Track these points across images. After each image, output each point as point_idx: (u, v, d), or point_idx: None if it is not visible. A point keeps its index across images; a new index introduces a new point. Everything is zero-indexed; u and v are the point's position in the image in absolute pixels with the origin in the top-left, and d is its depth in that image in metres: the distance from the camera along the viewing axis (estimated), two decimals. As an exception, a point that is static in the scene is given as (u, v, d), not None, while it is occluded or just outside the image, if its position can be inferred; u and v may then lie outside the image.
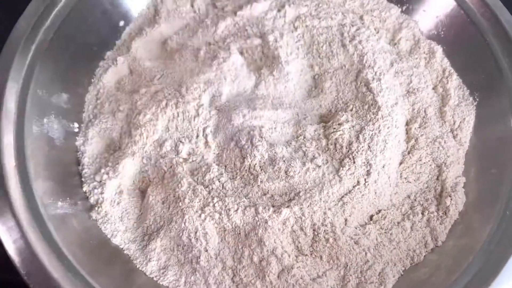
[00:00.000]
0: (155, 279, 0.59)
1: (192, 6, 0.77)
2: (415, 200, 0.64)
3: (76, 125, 0.68)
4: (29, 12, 0.65)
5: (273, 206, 0.60)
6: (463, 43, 0.71)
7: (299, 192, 0.61)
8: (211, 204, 0.60)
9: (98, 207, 0.62)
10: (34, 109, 0.61)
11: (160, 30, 0.75)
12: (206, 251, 0.59)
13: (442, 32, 0.73)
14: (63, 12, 0.67)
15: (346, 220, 0.61)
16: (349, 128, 0.65)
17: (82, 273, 0.54)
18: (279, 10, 0.75)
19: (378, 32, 0.75)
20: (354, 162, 0.62)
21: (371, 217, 0.63)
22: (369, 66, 0.69)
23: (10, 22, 0.64)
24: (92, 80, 0.71)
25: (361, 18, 0.77)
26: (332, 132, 0.65)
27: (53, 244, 0.54)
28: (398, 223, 0.62)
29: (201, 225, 0.59)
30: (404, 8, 0.76)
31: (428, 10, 0.74)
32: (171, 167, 0.63)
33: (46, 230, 0.55)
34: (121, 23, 0.75)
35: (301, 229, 0.60)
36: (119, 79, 0.72)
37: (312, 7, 0.75)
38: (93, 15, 0.70)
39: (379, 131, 0.64)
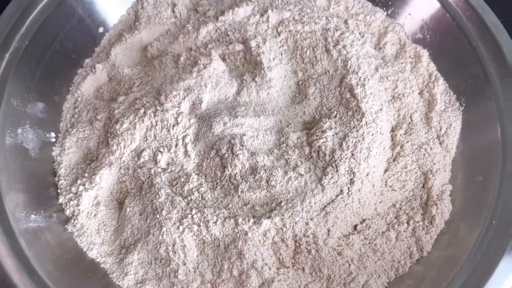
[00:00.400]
0: (132, 293, 0.58)
1: (173, 11, 0.76)
2: (400, 208, 0.63)
3: (53, 134, 0.66)
4: (3, 19, 0.63)
5: (253, 217, 0.58)
6: (449, 46, 0.70)
7: (281, 202, 0.59)
8: (190, 216, 0.58)
9: (74, 219, 0.61)
10: (8, 119, 0.60)
11: (140, 36, 0.73)
12: (185, 264, 0.57)
13: (428, 36, 0.72)
14: (38, 19, 0.65)
15: (329, 230, 0.59)
16: (332, 135, 0.63)
17: (55, 289, 0.53)
18: (262, 15, 0.73)
19: (363, 37, 0.73)
20: (337, 171, 0.61)
21: (355, 227, 0.61)
22: (353, 71, 0.67)
23: (-17, 30, 0.62)
24: (70, 88, 0.70)
25: (345, 22, 0.75)
26: (315, 140, 0.63)
27: (24, 260, 0.53)
28: (383, 233, 0.61)
29: (179, 237, 0.57)
30: (389, 11, 0.75)
31: (414, 13, 0.73)
32: (149, 177, 0.62)
33: (16, 245, 0.53)
34: (100, 29, 0.73)
35: (283, 240, 0.58)
36: (98, 87, 0.70)
37: (295, 11, 0.73)
38: (70, 22, 0.69)
39: (363, 138, 0.62)
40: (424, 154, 0.65)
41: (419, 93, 0.70)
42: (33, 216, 0.58)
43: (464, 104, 0.67)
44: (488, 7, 0.67)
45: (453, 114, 0.67)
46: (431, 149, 0.65)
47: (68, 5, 0.68)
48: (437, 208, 0.61)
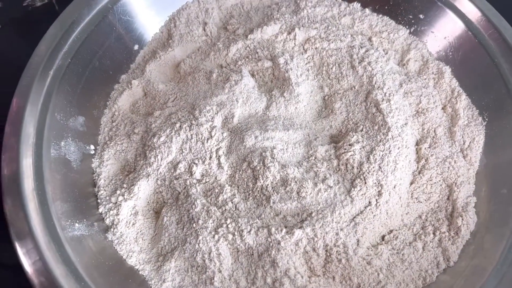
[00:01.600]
0: (169, 299, 0.60)
1: (204, 29, 0.79)
2: (426, 220, 0.65)
3: (92, 147, 0.69)
4: (47, 38, 0.67)
5: (285, 227, 0.61)
6: (472, 63, 0.72)
7: (311, 212, 0.62)
8: (225, 225, 0.61)
9: (114, 228, 0.63)
10: (52, 133, 0.63)
11: (173, 53, 0.77)
12: (220, 272, 0.59)
13: (451, 53, 0.74)
14: (80, 38, 0.69)
15: (358, 240, 0.62)
16: (360, 148, 0.66)
17: (100, 295, 0.56)
18: (289, 33, 0.76)
19: (387, 53, 0.76)
20: (365, 183, 0.63)
21: (383, 237, 0.64)
22: (379, 87, 0.70)
23: (30, 48, 0.66)
24: (108, 103, 0.73)
25: (369, 39, 0.78)
26: (343, 153, 0.66)
27: (71, 266, 0.55)
28: (410, 243, 0.63)
29: (214, 246, 0.60)
30: (412, 29, 0.78)
31: (437, 31, 0.76)
32: (185, 188, 0.64)
33: (64, 252, 0.56)
34: (136, 47, 0.77)
35: (314, 249, 0.60)
36: (134, 102, 0.74)
37: (321, 29, 0.76)
38: (108, 40, 0.73)
39: (390, 151, 0.65)
40: (448, 167, 0.67)
41: (442, 108, 0.73)
42: (77, 224, 0.61)
43: (487, 119, 0.70)
44: (509, 26, 0.70)
45: (476, 128, 0.70)
46: (455, 162, 0.68)
47: (107, 23, 0.72)
48: (463, 219, 0.63)
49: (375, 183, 0.63)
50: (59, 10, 0.71)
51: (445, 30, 0.74)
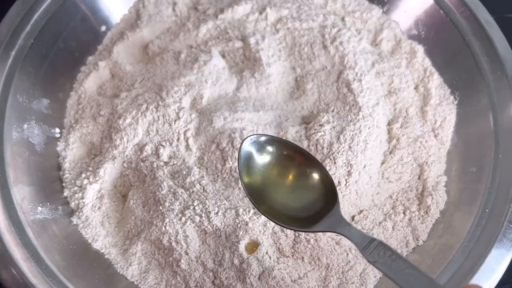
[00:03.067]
0: (136, 283, 0.59)
1: (174, 10, 0.77)
2: (396, 199, 0.65)
3: (57, 130, 0.68)
4: (8, 18, 0.65)
5: (253, 208, 0.60)
6: (443, 42, 0.71)
7: (280, 193, 0.61)
8: (192, 207, 0.60)
9: (79, 212, 0.62)
10: (14, 115, 0.62)
11: (142, 34, 0.75)
12: (187, 254, 0.58)
13: (423, 32, 0.74)
14: (43, 18, 0.67)
15: (327, 220, 0.61)
16: (330, 129, 0.65)
17: (62, 279, 0.54)
18: (260, 13, 0.75)
19: (359, 33, 0.75)
20: (334, 163, 0.62)
21: (352, 218, 0.63)
22: (350, 67, 0.69)
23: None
24: (74, 85, 0.71)
25: (342, 19, 0.77)
26: (313, 133, 0.65)
27: (32, 249, 0.54)
28: (380, 223, 0.62)
29: (181, 228, 0.59)
30: (385, 8, 0.77)
31: (409, 10, 0.75)
32: (151, 170, 0.63)
33: (25, 236, 0.55)
34: (103, 28, 0.75)
35: (282, 230, 0.60)
36: (101, 84, 0.72)
37: (293, 9, 0.75)
38: (74, 20, 0.70)
39: (360, 131, 0.64)
40: (419, 147, 0.67)
41: (415, 88, 0.72)
42: (39, 208, 0.59)
43: (458, 98, 0.69)
44: (480, 4, 0.69)
45: (447, 107, 0.69)
46: (426, 141, 0.67)
47: (72, 3, 0.70)
48: (432, 198, 0.63)
49: (344, 163, 0.63)
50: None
51: (417, 9, 0.73)
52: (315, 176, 0.57)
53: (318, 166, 0.57)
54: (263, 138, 0.58)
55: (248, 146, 0.57)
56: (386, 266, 0.43)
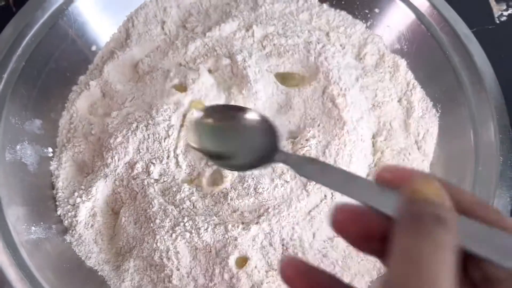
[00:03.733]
0: (129, 299, 0.61)
1: (162, 28, 0.79)
2: (382, 212, 0.66)
3: (50, 150, 0.69)
4: (0, 41, 0.66)
5: (242, 223, 0.62)
6: (425, 56, 0.73)
7: (268, 208, 0.63)
8: (182, 224, 0.61)
9: (72, 230, 0.64)
10: (7, 137, 0.63)
11: (132, 53, 0.76)
12: (178, 270, 0.60)
13: (405, 47, 0.76)
14: (34, 41, 0.68)
15: (314, 234, 0.63)
16: (316, 143, 0.67)
17: (56, 297, 0.56)
18: (247, 30, 0.77)
19: (344, 48, 0.77)
20: (321, 177, 0.64)
21: (339, 230, 0.65)
22: (335, 82, 0.71)
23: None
24: (66, 104, 0.73)
25: (327, 34, 0.79)
26: (299, 148, 0.67)
27: (26, 270, 0.55)
28: (366, 234, 0.64)
29: (172, 244, 0.60)
30: (368, 23, 0.79)
31: (392, 25, 0.77)
32: (142, 188, 0.65)
33: (19, 256, 0.56)
34: (93, 47, 0.76)
35: (270, 244, 0.61)
36: (92, 103, 0.73)
37: (279, 26, 0.77)
38: (64, 41, 0.72)
39: (345, 145, 0.66)
40: (403, 159, 0.69)
41: (398, 101, 0.74)
42: (33, 228, 0.61)
43: (440, 111, 0.71)
44: (460, 19, 0.71)
45: (430, 120, 0.71)
46: (409, 154, 0.69)
47: (62, 26, 0.71)
48: (416, 210, 0.64)
49: (330, 177, 0.64)
50: (16, 12, 0.71)
51: (400, 23, 0.76)
52: (254, 117, 0.54)
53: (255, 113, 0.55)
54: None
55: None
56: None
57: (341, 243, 0.63)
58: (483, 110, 0.65)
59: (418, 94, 0.73)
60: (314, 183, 0.64)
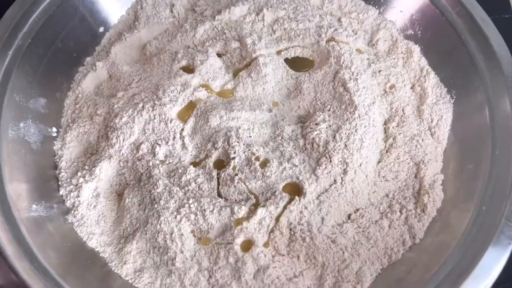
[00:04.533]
0: (130, 281, 0.59)
1: (171, 11, 0.78)
2: (393, 198, 0.64)
3: (54, 129, 0.68)
4: (6, 18, 0.66)
5: (248, 206, 0.60)
6: (440, 42, 0.71)
7: (275, 191, 0.61)
8: (187, 205, 0.59)
9: (75, 210, 0.62)
10: (11, 113, 0.62)
11: (140, 35, 0.75)
12: (182, 252, 0.58)
13: (419, 32, 0.74)
14: (41, 18, 0.67)
15: (323, 219, 0.60)
16: (326, 127, 0.65)
17: (56, 276, 0.54)
18: (257, 14, 0.75)
19: (356, 34, 0.75)
20: (330, 161, 0.62)
21: (348, 216, 0.63)
22: (346, 66, 0.69)
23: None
24: (71, 85, 0.72)
25: (339, 20, 0.77)
26: (309, 132, 0.65)
27: (25, 246, 0.54)
28: (376, 221, 0.62)
29: (176, 226, 0.58)
30: (381, 9, 0.77)
31: (405, 10, 0.75)
32: (147, 169, 0.63)
33: (18, 233, 0.55)
34: (101, 29, 0.75)
35: (277, 228, 0.59)
36: (98, 84, 0.72)
37: (290, 10, 0.76)
38: (72, 21, 0.71)
39: (356, 130, 0.64)
40: (416, 146, 0.67)
41: (411, 87, 0.72)
42: (34, 206, 0.59)
43: (454, 97, 0.69)
44: (476, 3, 0.69)
45: (444, 106, 0.69)
46: (422, 140, 0.67)
47: (70, 4, 0.70)
48: (429, 196, 0.62)
49: (340, 161, 0.62)
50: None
51: (413, 8, 0.74)
52: None
53: None
54: None
55: None
56: None
57: (351, 229, 0.60)
58: (500, 94, 0.63)
59: (432, 80, 0.71)
60: (324, 167, 0.62)
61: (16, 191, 0.58)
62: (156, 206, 0.60)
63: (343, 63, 0.70)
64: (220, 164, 0.64)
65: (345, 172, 0.62)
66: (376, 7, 0.77)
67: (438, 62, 0.71)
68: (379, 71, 0.71)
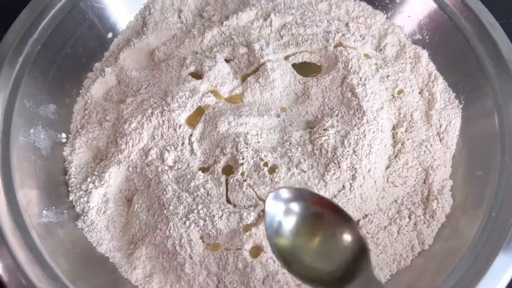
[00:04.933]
0: (140, 287, 0.59)
1: (179, 17, 0.78)
2: (402, 204, 0.64)
3: (64, 135, 0.68)
4: (17, 25, 0.66)
5: (257, 212, 0.60)
6: (448, 46, 0.71)
7: (284, 197, 0.61)
8: (196, 211, 0.60)
9: (84, 216, 0.62)
10: (21, 120, 0.62)
11: (148, 41, 0.76)
12: (191, 258, 0.58)
13: (427, 37, 0.74)
14: (50, 25, 0.68)
15: (331, 225, 0.61)
16: (334, 133, 0.65)
17: (66, 282, 0.55)
18: (265, 19, 0.76)
19: (363, 39, 0.75)
20: (339, 167, 0.62)
21: (357, 222, 0.63)
22: (354, 71, 0.69)
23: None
24: (81, 91, 0.72)
25: (346, 25, 0.77)
26: (317, 137, 0.65)
27: (37, 253, 0.54)
28: (385, 227, 0.62)
29: (185, 232, 0.59)
30: (389, 14, 0.77)
31: (413, 15, 0.75)
32: (156, 174, 0.64)
33: (29, 239, 0.55)
34: (110, 35, 0.76)
35: (286, 235, 0.59)
36: (107, 90, 0.73)
37: (297, 15, 0.76)
38: (81, 27, 0.72)
39: (364, 135, 0.64)
40: (424, 151, 0.67)
41: (419, 92, 0.72)
42: (45, 212, 0.60)
43: (463, 102, 0.69)
44: (484, 8, 0.69)
45: (452, 111, 0.69)
46: (431, 145, 0.67)
47: (79, 11, 0.71)
48: (438, 202, 0.62)
49: (349, 167, 0.62)
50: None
51: (421, 13, 0.74)
52: (346, 236, 0.53)
53: (348, 222, 0.54)
54: (287, 195, 0.55)
55: (272, 207, 0.55)
56: None
57: (359, 235, 0.61)
58: (509, 99, 0.63)
59: (440, 85, 0.71)
60: (333, 172, 0.62)
61: (26, 197, 0.58)
62: (165, 211, 0.60)
63: (351, 68, 0.70)
64: (229, 170, 0.64)
65: (353, 177, 0.62)
66: (384, 12, 0.77)
67: (446, 67, 0.71)
68: (387, 76, 0.71)
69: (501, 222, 0.55)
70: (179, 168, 0.64)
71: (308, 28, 0.74)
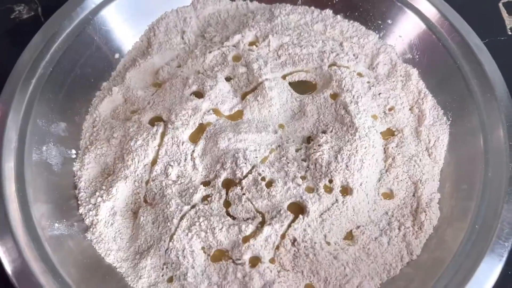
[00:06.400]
0: (145, 295, 0.63)
1: (182, 38, 0.83)
2: (392, 216, 0.68)
3: (73, 151, 0.72)
4: (30, 49, 0.71)
5: (255, 225, 0.64)
6: (436, 66, 0.75)
7: (280, 210, 0.65)
8: (198, 224, 0.63)
9: (93, 228, 0.66)
10: (34, 138, 0.67)
11: (153, 61, 0.80)
12: (193, 268, 0.62)
13: (417, 56, 0.78)
14: (61, 48, 0.73)
15: (325, 236, 0.64)
16: (328, 148, 0.69)
17: (77, 291, 0.59)
18: (263, 40, 0.80)
19: (357, 58, 0.79)
20: (332, 181, 0.66)
21: (350, 233, 0.66)
22: (347, 90, 0.73)
23: (12, 57, 0.70)
24: (89, 109, 0.76)
25: (341, 44, 0.81)
26: (312, 153, 0.69)
27: (50, 263, 0.58)
28: (376, 238, 0.65)
29: (188, 243, 0.63)
30: (381, 34, 0.81)
31: (404, 35, 0.79)
32: (160, 189, 0.67)
33: (43, 251, 0.59)
34: (116, 55, 0.80)
35: (283, 245, 0.63)
36: (114, 108, 0.77)
37: (294, 36, 0.80)
38: (89, 49, 0.76)
39: (356, 151, 0.68)
40: (414, 165, 0.70)
41: (410, 109, 0.76)
42: (56, 225, 0.64)
43: (450, 119, 0.72)
44: (470, 29, 0.73)
45: (440, 128, 0.72)
46: (420, 160, 0.70)
47: (87, 34, 0.75)
48: (426, 215, 0.66)
49: (342, 181, 0.66)
50: (44, 21, 0.75)
51: (412, 34, 0.78)
52: None
53: None
54: None
55: None
56: None
57: (351, 246, 0.64)
58: (493, 118, 0.66)
59: (430, 103, 0.75)
60: (327, 186, 0.65)
61: (39, 211, 0.62)
62: (168, 224, 0.64)
63: (344, 86, 0.74)
64: (229, 184, 0.68)
65: (346, 191, 0.66)
66: (376, 32, 0.81)
67: (435, 85, 0.75)
68: (379, 93, 0.75)
69: (484, 234, 0.59)
70: (182, 183, 0.68)
71: (304, 48, 0.78)
